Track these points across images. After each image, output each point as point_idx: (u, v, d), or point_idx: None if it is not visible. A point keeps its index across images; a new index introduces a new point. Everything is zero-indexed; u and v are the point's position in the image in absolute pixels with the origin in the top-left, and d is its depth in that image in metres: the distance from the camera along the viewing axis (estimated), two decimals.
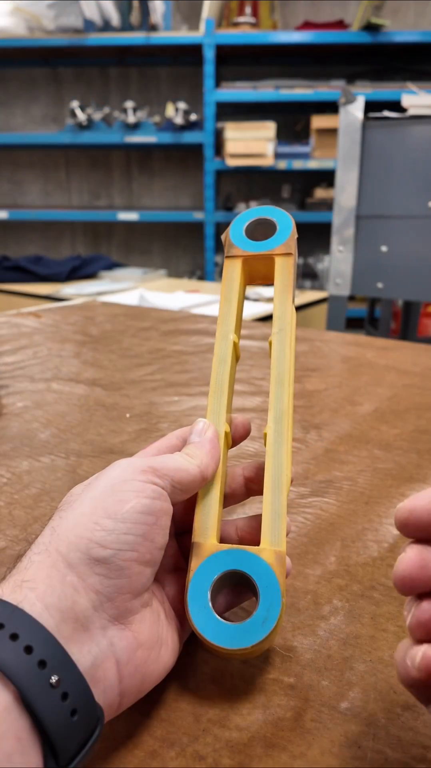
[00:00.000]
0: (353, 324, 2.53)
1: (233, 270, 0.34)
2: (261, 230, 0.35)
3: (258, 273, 0.35)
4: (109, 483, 0.24)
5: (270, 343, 0.31)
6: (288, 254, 0.33)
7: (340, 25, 2.70)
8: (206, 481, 0.27)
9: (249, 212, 0.35)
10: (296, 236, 0.33)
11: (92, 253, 3.17)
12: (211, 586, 0.25)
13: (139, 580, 0.23)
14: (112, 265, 2.43)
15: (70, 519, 0.23)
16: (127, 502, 0.23)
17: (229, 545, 0.26)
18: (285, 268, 0.33)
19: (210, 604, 0.25)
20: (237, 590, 0.28)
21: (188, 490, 0.26)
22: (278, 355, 0.31)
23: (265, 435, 0.29)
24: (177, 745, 0.23)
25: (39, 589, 0.21)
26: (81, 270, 2.23)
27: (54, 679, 0.19)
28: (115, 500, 0.23)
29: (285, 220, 0.34)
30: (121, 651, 0.22)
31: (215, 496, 0.28)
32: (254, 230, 0.35)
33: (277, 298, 0.32)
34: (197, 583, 0.26)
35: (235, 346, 0.32)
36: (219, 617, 0.25)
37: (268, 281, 0.34)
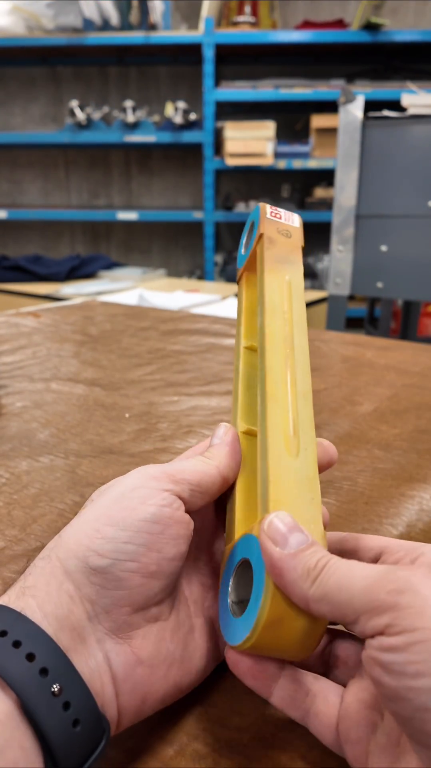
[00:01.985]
0: (353, 324, 2.53)
1: (244, 284, 0.35)
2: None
3: None
4: (120, 490, 0.23)
5: None
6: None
7: (340, 24, 2.70)
8: (227, 482, 0.26)
9: (249, 217, 0.35)
10: (302, 228, 0.33)
11: (91, 252, 3.17)
12: (231, 580, 0.23)
13: (140, 593, 0.22)
14: (111, 265, 2.43)
15: (74, 525, 0.22)
16: (132, 509, 0.22)
17: (243, 533, 0.24)
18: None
19: (228, 600, 0.23)
20: None
21: (209, 493, 0.25)
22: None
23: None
24: (176, 745, 0.23)
25: (39, 596, 0.20)
26: (80, 270, 2.23)
27: (56, 687, 0.18)
28: (120, 507, 0.22)
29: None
30: (118, 666, 0.21)
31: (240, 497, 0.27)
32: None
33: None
34: (224, 581, 0.24)
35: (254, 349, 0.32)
36: (231, 613, 0.22)
37: None
